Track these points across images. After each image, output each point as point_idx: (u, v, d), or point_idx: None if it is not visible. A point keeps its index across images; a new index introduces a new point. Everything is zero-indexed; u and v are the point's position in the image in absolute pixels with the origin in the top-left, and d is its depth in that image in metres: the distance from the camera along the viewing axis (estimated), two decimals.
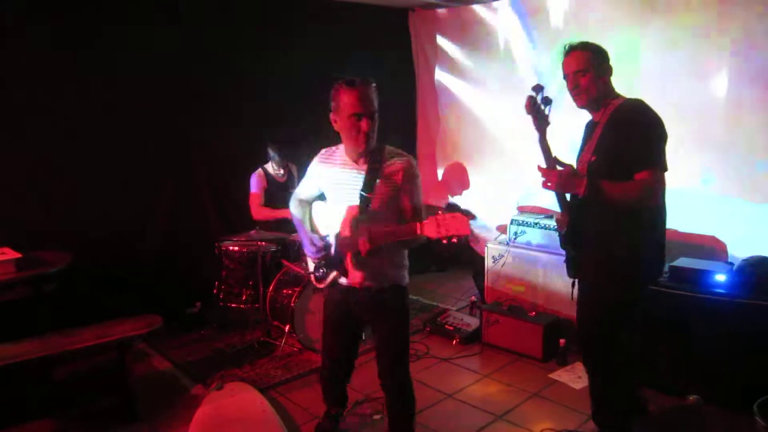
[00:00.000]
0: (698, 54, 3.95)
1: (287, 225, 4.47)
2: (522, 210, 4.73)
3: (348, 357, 2.88)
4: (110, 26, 4.16)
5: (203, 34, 4.59)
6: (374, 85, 2.36)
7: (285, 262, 4.21)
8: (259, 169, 4.52)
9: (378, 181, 2.38)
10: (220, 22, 4.69)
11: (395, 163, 2.42)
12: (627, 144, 2.32)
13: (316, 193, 2.71)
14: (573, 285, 2.79)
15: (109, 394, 3.31)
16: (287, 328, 3.87)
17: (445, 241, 2.07)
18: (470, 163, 5.83)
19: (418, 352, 4.01)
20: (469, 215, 2.24)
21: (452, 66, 5.84)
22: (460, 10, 5.65)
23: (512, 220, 4.40)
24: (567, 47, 2.49)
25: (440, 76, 5.97)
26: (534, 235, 4.27)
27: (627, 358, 2.63)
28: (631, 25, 4.25)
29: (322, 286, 2.64)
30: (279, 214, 4.45)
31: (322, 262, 2.58)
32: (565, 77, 2.50)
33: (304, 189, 2.75)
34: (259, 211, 4.47)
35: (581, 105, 2.51)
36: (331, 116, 2.41)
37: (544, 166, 2.46)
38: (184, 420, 3.09)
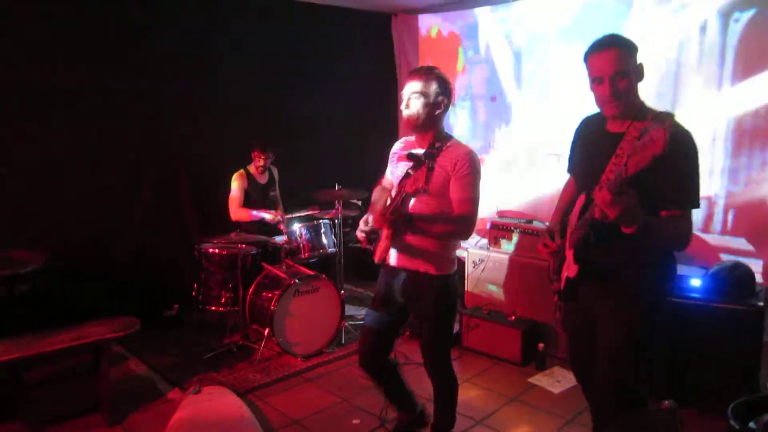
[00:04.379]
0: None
1: (268, 228, 4.47)
2: (502, 214, 4.77)
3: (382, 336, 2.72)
4: (92, 26, 4.12)
5: (183, 35, 4.56)
6: (425, 78, 2.45)
7: (265, 265, 4.19)
8: (241, 170, 4.51)
9: (431, 167, 2.38)
10: (201, 24, 4.66)
11: (451, 154, 2.43)
12: (671, 177, 1.94)
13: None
14: (559, 309, 2.48)
15: (83, 397, 3.25)
16: (266, 331, 3.84)
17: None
18: None
19: (397, 358, 4.01)
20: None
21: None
22: (442, 16, 5.70)
23: (492, 225, 4.43)
24: (600, 42, 2.04)
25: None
26: (514, 240, 4.30)
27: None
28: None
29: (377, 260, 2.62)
30: (256, 215, 4.44)
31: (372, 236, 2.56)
32: (595, 80, 2.05)
33: (386, 175, 2.79)
34: (237, 212, 4.45)
35: (613, 114, 2.07)
36: None
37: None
38: (160, 424, 3.04)
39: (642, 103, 2.08)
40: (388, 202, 2.57)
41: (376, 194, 2.81)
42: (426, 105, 2.43)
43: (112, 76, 4.23)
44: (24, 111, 3.91)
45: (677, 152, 1.89)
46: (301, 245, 4.23)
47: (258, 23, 5.00)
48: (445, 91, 2.47)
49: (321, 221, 4.36)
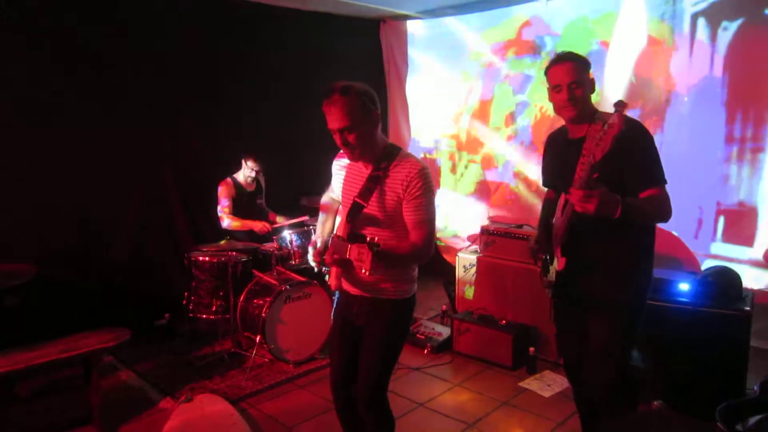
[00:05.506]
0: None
1: (257, 235, 4.47)
2: (493, 219, 4.80)
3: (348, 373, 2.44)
4: (85, 28, 4.10)
5: (175, 43, 4.55)
6: (349, 94, 2.09)
7: (256, 272, 4.18)
8: (228, 179, 4.51)
9: (377, 189, 2.18)
10: (191, 33, 4.64)
11: (400, 173, 2.16)
12: (633, 162, 2.20)
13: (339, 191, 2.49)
14: (552, 306, 2.61)
15: (75, 409, 3.23)
16: (258, 338, 3.83)
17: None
18: (442, 172, 5.90)
19: None
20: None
21: (422, 76, 5.91)
22: (430, 22, 5.73)
23: (483, 230, 4.45)
24: (559, 57, 2.34)
25: (411, 86, 6.03)
26: (504, 245, 4.32)
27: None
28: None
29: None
30: (247, 225, 4.45)
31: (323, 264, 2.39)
32: (554, 87, 2.31)
33: (332, 187, 2.55)
34: (226, 220, 4.45)
35: (570, 116, 2.34)
36: None
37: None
38: None
39: (596, 110, 2.35)
40: (335, 230, 2.41)
41: (322, 208, 2.62)
42: (361, 134, 2.12)
43: (102, 87, 4.21)
44: (11, 120, 3.87)
45: (637, 140, 2.21)
46: (292, 252, 4.22)
47: (245, 30, 4.99)
48: (374, 102, 2.16)
49: (311, 227, 4.36)
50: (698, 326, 3.14)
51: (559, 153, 2.50)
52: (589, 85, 2.32)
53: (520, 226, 4.37)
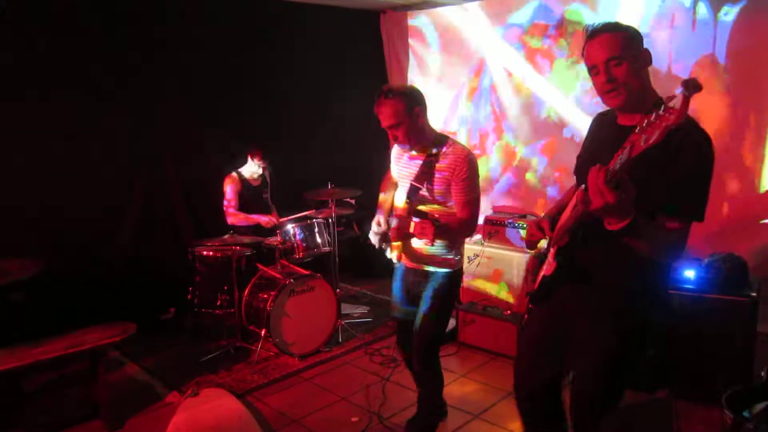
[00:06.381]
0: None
1: (262, 229, 4.47)
2: (496, 209, 4.78)
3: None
4: (87, 25, 4.10)
5: (178, 39, 4.53)
6: (392, 97, 2.45)
7: (260, 266, 4.19)
8: (233, 173, 4.50)
9: (429, 172, 2.54)
10: (192, 25, 4.63)
11: (448, 158, 2.53)
12: (677, 173, 1.69)
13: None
14: (527, 312, 2.25)
15: (81, 404, 3.25)
16: (263, 332, 3.84)
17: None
18: None
19: (394, 356, 4.03)
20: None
21: (424, 67, 5.87)
22: (431, 12, 5.69)
23: (486, 220, 4.44)
24: (591, 30, 1.82)
25: (412, 77, 6.00)
26: (508, 235, 4.30)
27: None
28: None
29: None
30: (253, 219, 4.45)
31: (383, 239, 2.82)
32: (591, 69, 1.83)
33: (391, 171, 2.93)
34: (232, 215, 4.45)
35: (617, 105, 1.84)
36: None
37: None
38: (159, 428, 3.04)
39: (660, 98, 1.71)
40: (398, 209, 2.76)
41: (384, 189, 2.97)
42: (408, 129, 2.50)
43: (104, 80, 4.21)
44: (13, 118, 3.87)
45: (693, 147, 1.70)
46: (296, 245, 4.22)
47: (246, 23, 4.97)
48: (415, 99, 2.50)
49: (315, 220, 4.36)
50: (704, 313, 3.12)
51: (600, 137, 2.05)
52: (640, 61, 1.78)
53: (524, 216, 4.35)
